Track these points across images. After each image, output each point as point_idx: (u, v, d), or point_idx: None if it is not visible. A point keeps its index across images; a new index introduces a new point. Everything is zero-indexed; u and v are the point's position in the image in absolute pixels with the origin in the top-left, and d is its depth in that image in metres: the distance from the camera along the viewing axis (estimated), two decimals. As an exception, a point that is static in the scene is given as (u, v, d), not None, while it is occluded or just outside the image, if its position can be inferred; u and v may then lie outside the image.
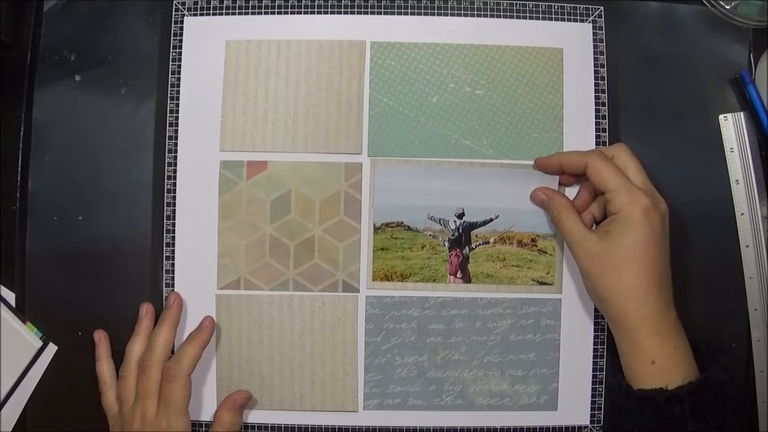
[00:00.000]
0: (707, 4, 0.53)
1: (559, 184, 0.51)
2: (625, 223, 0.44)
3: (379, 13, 0.53)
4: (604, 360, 0.51)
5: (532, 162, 0.52)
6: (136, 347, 0.50)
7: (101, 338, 0.51)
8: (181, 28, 0.52)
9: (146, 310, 0.51)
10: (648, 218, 0.44)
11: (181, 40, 0.52)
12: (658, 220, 0.44)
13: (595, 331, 0.52)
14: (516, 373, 0.51)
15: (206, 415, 0.51)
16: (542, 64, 0.52)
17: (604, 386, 0.51)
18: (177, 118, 0.52)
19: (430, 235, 0.51)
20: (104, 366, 0.50)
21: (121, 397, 0.49)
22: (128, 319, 0.51)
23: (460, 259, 0.51)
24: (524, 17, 0.53)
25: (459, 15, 0.53)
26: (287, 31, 0.52)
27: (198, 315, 0.51)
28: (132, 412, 0.48)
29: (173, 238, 0.51)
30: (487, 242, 0.52)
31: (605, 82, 0.52)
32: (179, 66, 0.52)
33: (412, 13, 0.53)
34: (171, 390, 0.47)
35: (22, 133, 0.52)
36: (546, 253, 0.51)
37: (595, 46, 0.53)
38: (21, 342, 0.50)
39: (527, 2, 0.53)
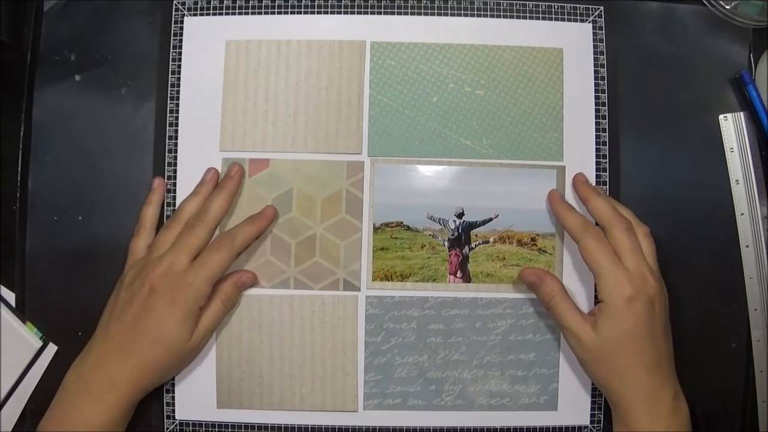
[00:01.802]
0: (707, 4, 0.53)
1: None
2: (609, 314, 0.44)
3: (379, 13, 0.53)
4: (604, 360, 0.51)
5: (532, 162, 0.52)
6: (189, 206, 0.49)
7: (159, 184, 0.50)
8: (181, 28, 0.52)
9: (212, 174, 0.50)
10: (631, 308, 0.44)
11: (181, 40, 0.52)
12: (643, 307, 0.44)
13: (595, 331, 0.52)
14: (516, 373, 0.51)
15: (206, 415, 0.51)
16: (542, 64, 0.52)
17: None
18: (177, 118, 0.52)
19: (429, 234, 0.51)
20: (150, 211, 0.50)
21: (155, 245, 0.47)
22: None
23: (459, 259, 0.51)
24: (524, 17, 0.53)
25: (459, 15, 0.53)
26: (287, 31, 0.52)
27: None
28: (159, 259, 0.46)
29: (173, 238, 0.51)
30: (487, 242, 0.52)
31: (605, 82, 0.52)
32: (179, 66, 0.52)
33: (412, 13, 0.53)
34: (214, 257, 0.46)
35: (22, 133, 0.51)
36: (546, 252, 0.51)
37: (595, 46, 0.53)
38: (21, 342, 0.50)
39: (527, 2, 0.53)
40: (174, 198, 0.51)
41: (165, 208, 0.51)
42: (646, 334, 0.44)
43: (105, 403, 0.44)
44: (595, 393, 0.51)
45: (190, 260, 0.46)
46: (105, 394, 0.44)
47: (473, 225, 0.52)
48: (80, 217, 0.52)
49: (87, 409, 0.44)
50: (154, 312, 0.44)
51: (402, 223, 0.51)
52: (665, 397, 0.44)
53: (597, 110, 0.52)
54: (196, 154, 0.52)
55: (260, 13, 0.53)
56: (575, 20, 0.53)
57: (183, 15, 0.53)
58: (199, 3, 0.53)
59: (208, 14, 0.53)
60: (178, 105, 0.52)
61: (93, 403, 0.44)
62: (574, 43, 0.52)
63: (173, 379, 0.51)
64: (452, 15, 0.53)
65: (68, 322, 0.51)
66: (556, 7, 0.53)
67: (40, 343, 0.51)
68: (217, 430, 0.51)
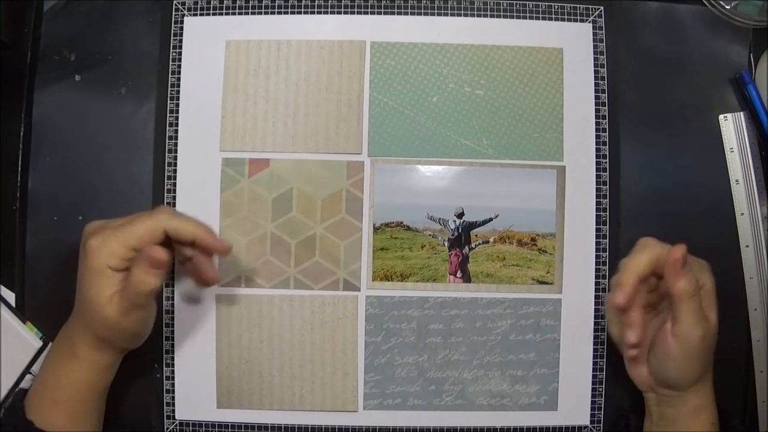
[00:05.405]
0: (707, 4, 0.53)
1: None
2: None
3: (379, 13, 0.53)
4: (604, 360, 0.51)
5: (532, 162, 0.52)
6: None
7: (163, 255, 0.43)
8: (181, 28, 0.52)
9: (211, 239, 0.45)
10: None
11: (181, 40, 0.52)
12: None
13: (595, 331, 0.51)
14: (516, 373, 0.51)
15: (206, 415, 0.51)
16: (542, 64, 0.52)
17: (604, 386, 0.51)
18: (177, 118, 0.52)
19: (429, 234, 0.51)
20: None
21: None
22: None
23: (459, 259, 0.51)
24: (524, 17, 0.53)
25: (459, 15, 0.53)
26: (287, 31, 0.52)
27: (198, 315, 0.51)
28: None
29: (173, 238, 0.51)
30: (487, 242, 0.51)
31: (605, 82, 0.52)
32: (179, 66, 0.52)
33: (412, 13, 0.53)
34: (132, 221, 0.43)
35: (22, 133, 0.51)
36: (546, 252, 0.51)
37: (595, 46, 0.53)
38: (21, 342, 0.50)
39: (527, 2, 0.53)
40: (174, 198, 0.51)
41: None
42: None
43: (77, 361, 0.44)
44: (595, 393, 0.51)
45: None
46: (76, 354, 0.44)
47: (473, 225, 0.52)
48: (80, 217, 0.52)
49: (62, 368, 0.45)
50: (79, 272, 0.44)
51: (402, 223, 0.51)
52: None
53: (597, 110, 0.52)
54: (196, 154, 0.52)
55: (260, 13, 0.53)
56: (575, 20, 0.53)
57: (183, 15, 0.53)
58: (199, 3, 0.53)
59: (208, 14, 0.53)
60: (178, 105, 0.52)
61: (67, 363, 0.45)
62: (574, 43, 0.52)
63: (173, 378, 0.51)
64: (452, 15, 0.53)
65: (68, 322, 0.51)
66: (556, 7, 0.53)
67: (40, 343, 0.51)
68: (217, 430, 0.51)
